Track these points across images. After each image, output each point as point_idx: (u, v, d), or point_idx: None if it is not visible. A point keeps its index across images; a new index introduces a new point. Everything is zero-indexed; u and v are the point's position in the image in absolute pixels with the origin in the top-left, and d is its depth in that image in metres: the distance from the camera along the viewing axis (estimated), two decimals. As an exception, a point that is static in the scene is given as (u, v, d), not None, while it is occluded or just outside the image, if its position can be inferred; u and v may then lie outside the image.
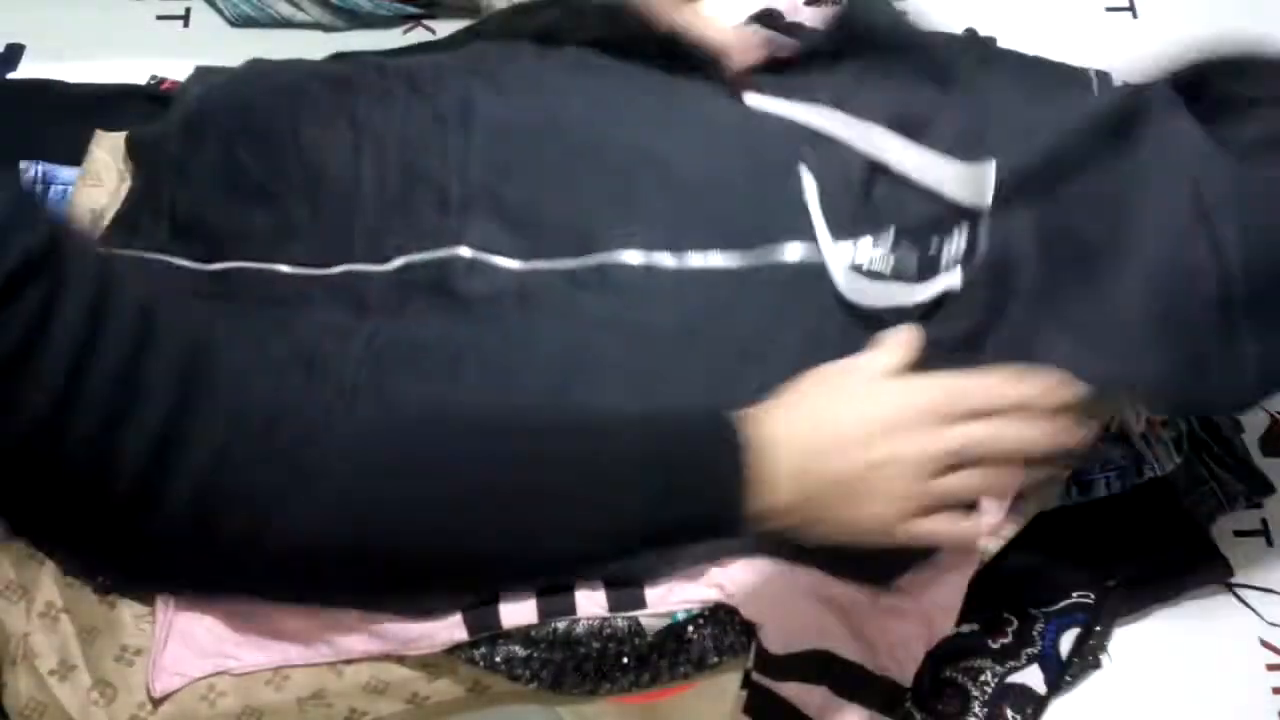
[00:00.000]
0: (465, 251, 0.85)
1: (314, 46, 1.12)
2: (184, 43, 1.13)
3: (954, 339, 0.78)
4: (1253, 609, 0.93)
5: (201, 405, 0.46)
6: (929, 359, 0.66)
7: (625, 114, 0.91)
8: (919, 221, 0.83)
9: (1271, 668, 0.92)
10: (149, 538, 0.47)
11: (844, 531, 0.61)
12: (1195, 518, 0.92)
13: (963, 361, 0.67)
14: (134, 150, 0.93)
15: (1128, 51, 1.14)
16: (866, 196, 0.86)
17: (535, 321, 0.83)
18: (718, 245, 0.84)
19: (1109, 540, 0.90)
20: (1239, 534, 0.96)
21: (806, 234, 0.84)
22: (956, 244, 0.81)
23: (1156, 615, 0.93)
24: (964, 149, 0.83)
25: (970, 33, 1.12)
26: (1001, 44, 1.10)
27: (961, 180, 0.81)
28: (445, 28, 1.14)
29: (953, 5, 1.15)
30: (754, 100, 0.92)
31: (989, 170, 0.79)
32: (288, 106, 0.91)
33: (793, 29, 1.05)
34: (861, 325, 0.80)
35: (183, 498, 0.46)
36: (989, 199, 0.79)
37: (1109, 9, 1.19)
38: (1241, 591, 0.93)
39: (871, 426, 0.60)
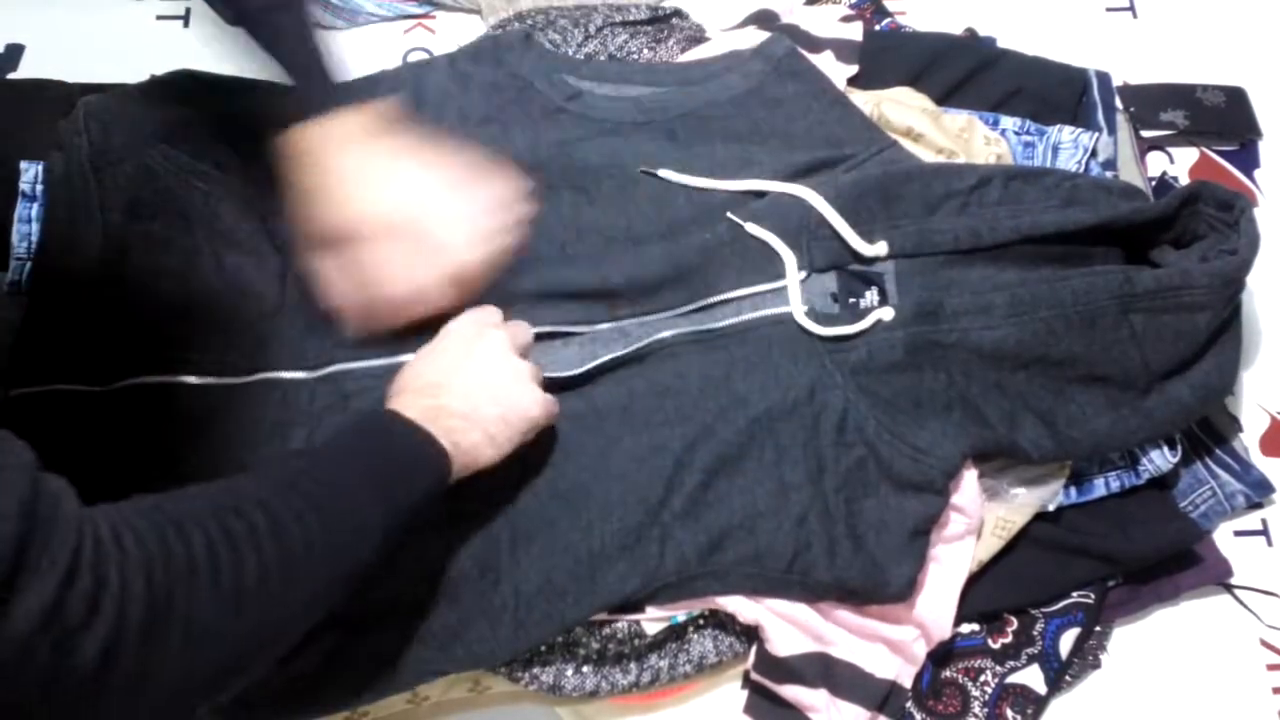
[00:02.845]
0: (409, 357, 0.85)
1: (314, 46, 1.12)
2: (184, 43, 1.12)
3: (894, 362, 0.86)
4: (1252, 610, 0.93)
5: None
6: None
7: (542, 212, 0.91)
8: (838, 268, 0.89)
9: (1271, 668, 0.92)
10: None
11: (509, 422, 0.76)
12: (1195, 518, 0.92)
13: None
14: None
15: (1128, 51, 1.15)
16: (799, 240, 0.90)
17: None
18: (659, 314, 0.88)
19: (1109, 540, 0.90)
20: (1239, 534, 0.96)
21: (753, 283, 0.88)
22: (871, 296, 0.88)
23: (1156, 615, 0.93)
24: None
25: (970, 32, 1.13)
26: (1001, 44, 1.11)
27: (857, 240, 0.89)
28: (445, 28, 1.14)
29: (953, 5, 1.15)
30: (667, 174, 0.93)
31: (879, 247, 0.88)
32: (205, 236, 0.89)
33: (790, 30, 1.05)
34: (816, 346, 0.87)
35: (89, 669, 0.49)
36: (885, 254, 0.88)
37: (1109, 9, 1.18)
38: (1241, 592, 0.93)
39: (455, 355, 0.78)
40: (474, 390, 0.75)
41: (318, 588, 0.63)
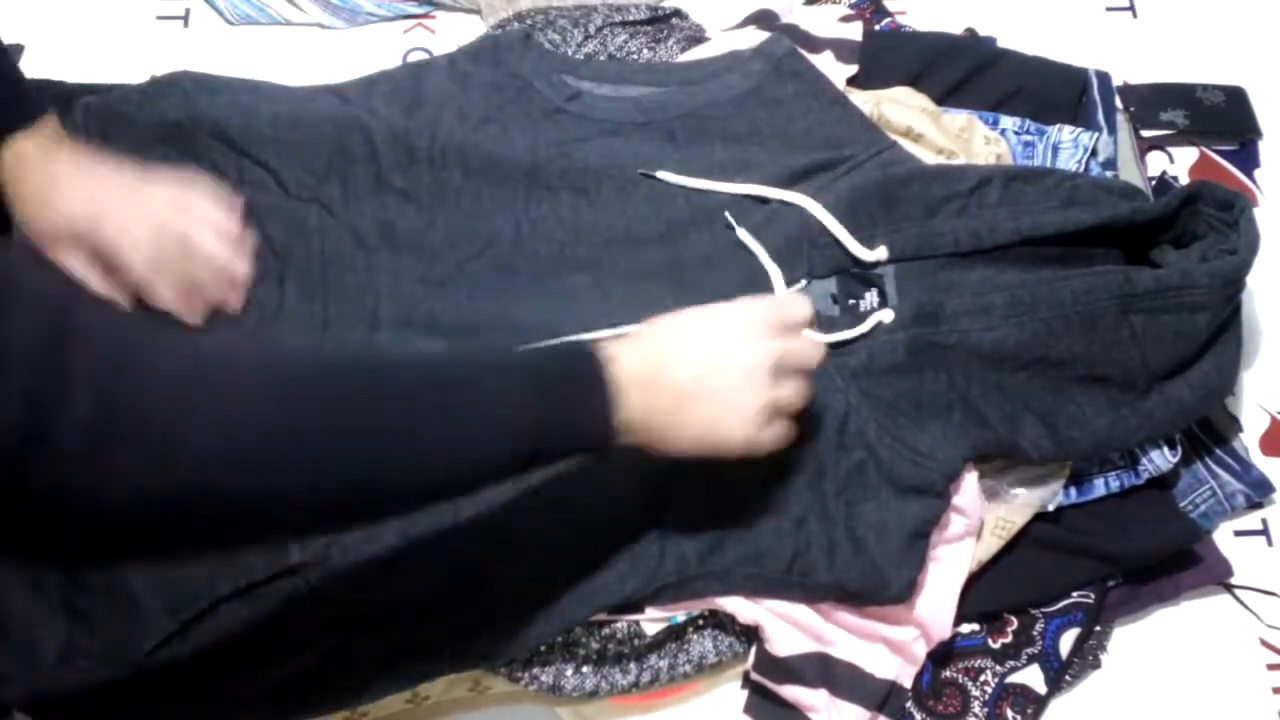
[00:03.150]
0: None
1: (314, 46, 1.12)
2: (184, 43, 1.13)
3: (895, 364, 0.86)
4: (1252, 610, 0.93)
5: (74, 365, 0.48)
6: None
7: (541, 213, 0.91)
8: (839, 273, 0.90)
9: (1271, 668, 0.92)
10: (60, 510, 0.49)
11: (705, 437, 0.70)
12: (1195, 518, 0.92)
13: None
14: None
15: (1128, 51, 1.15)
16: (800, 248, 0.90)
17: None
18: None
19: (1109, 540, 0.90)
20: (1239, 534, 0.96)
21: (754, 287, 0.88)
22: (871, 298, 0.88)
23: (1156, 615, 0.93)
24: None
25: (970, 32, 1.13)
26: (1001, 44, 1.11)
27: (857, 247, 0.89)
28: (445, 28, 1.14)
29: (953, 5, 1.15)
30: (665, 176, 0.93)
31: (880, 252, 0.88)
32: None
33: (790, 30, 1.05)
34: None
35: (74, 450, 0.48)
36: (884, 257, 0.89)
37: (1109, 9, 1.19)
38: (1241, 592, 0.93)
39: (706, 338, 0.71)
40: (697, 389, 0.69)
41: (386, 478, 0.58)
